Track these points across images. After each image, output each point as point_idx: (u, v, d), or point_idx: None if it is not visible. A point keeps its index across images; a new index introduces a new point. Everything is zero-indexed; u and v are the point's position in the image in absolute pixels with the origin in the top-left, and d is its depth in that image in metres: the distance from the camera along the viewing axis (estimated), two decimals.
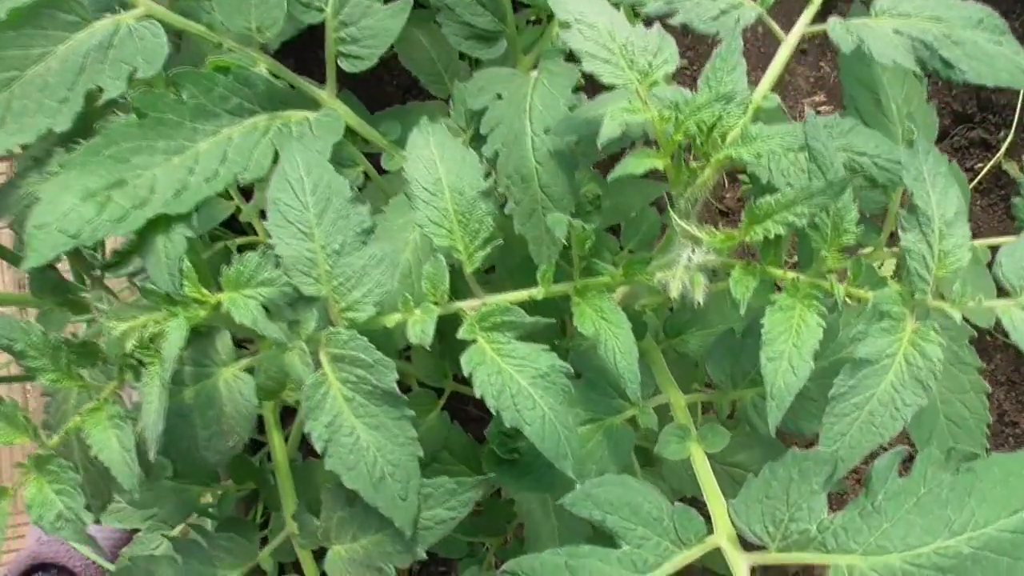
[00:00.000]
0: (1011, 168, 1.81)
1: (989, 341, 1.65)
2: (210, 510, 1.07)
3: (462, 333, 0.73)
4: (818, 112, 1.78)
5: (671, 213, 0.71)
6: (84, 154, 0.79)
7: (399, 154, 1.03)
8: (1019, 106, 1.78)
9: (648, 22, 0.77)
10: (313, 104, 0.94)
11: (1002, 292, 0.71)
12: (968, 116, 1.85)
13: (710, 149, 0.70)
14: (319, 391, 0.73)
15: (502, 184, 0.88)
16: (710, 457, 0.91)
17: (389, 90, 1.62)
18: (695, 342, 0.92)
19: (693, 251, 0.69)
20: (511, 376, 0.70)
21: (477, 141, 0.98)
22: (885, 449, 0.65)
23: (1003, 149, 1.78)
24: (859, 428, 0.65)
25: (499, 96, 0.94)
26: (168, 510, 1.04)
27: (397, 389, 0.72)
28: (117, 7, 0.84)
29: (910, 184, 0.68)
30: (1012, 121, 1.79)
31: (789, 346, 0.65)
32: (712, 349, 0.83)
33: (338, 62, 0.94)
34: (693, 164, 0.70)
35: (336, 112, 0.92)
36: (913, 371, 0.66)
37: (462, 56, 1.21)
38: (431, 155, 0.79)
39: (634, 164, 0.67)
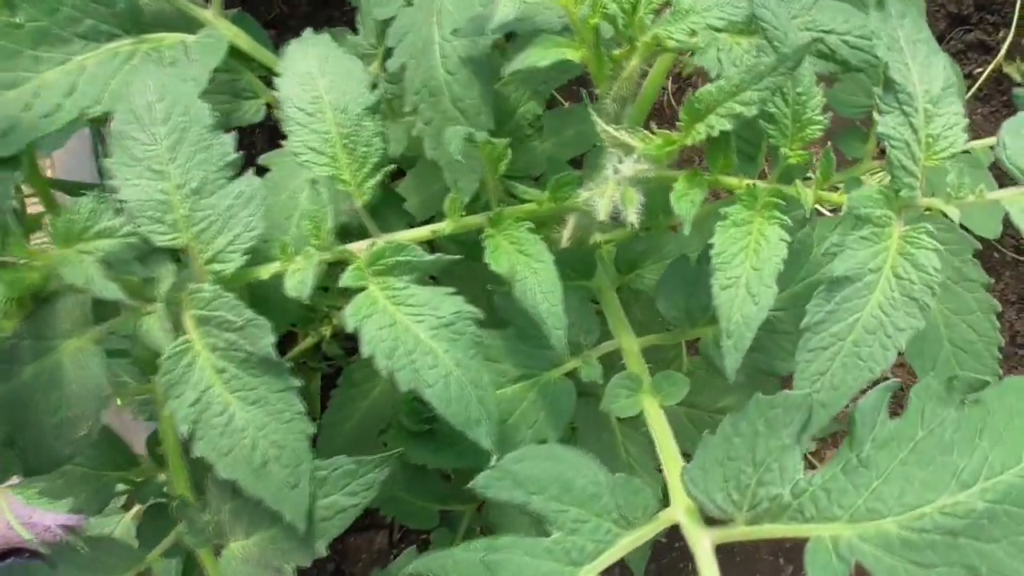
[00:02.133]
0: (1012, 71, 1.69)
1: (996, 258, 1.52)
2: None
3: (346, 279, 0.59)
4: None
5: (593, 115, 0.57)
6: None
7: None
8: (1018, 2, 1.65)
9: None
10: (195, 26, 0.80)
11: (1008, 182, 0.57)
12: (964, 17, 1.72)
13: (635, 32, 0.56)
14: (182, 362, 0.60)
15: (409, 102, 0.74)
16: (694, 405, 0.78)
17: (305, 10, 1.45)
18: (652, 276, 0.78)
19: (621, 161, 0.55)
20: (407, 328, 0.56)
21: (387, 60, 0.85)
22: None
23: (1003, 51, 1.65)
24: (842, 363, 0.52)
25: (408, 2, 0.80)
26: (83, 499, 0.92)
27: (275, 354, 0.59)
28: None
29: (884, 54, 0.54)
30: (1012, 20, 1.66)
31: (747, 269, 0.52)
32: (663, 281, 0.69)
33: None
34: (616, 52, 0.56)
35: (219, 32, 0.78)
36: (905, 287, 0.52)
37: None
38: (309, 69, 0.65)
39: (537, 55, 0.53)
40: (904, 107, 0.53)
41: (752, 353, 0.56)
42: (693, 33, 0.53)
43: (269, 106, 0.94)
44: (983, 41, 1.70)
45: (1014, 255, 1.53)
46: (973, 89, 1.66)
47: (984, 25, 1.71)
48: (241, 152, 0.63)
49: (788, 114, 0.55)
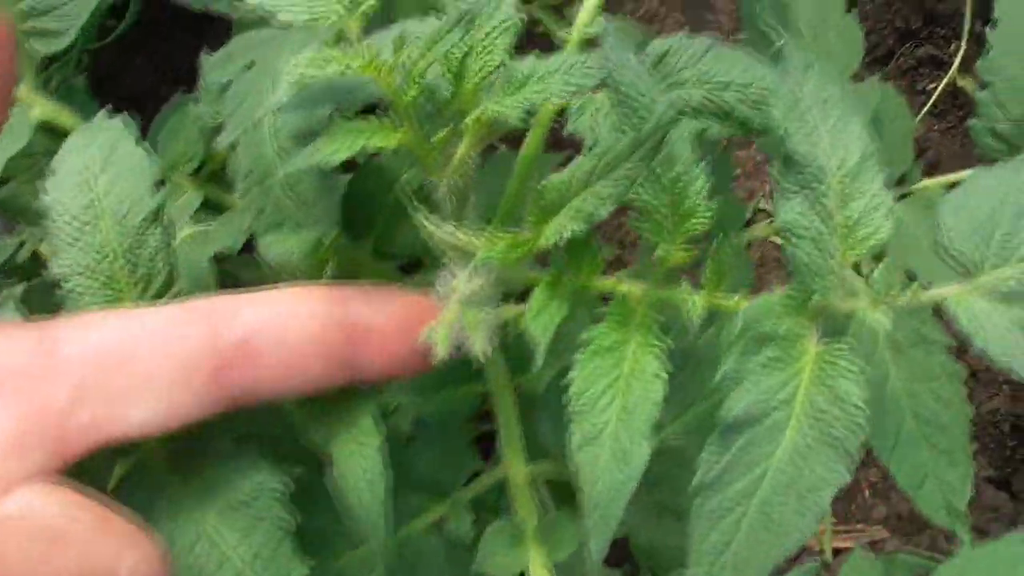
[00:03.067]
0: (967, 83, 1.61)
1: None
2: None
3: None
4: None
5: (416, 215, 0.45)
6: None
7: None
8: (967, 12, 1.57)
9: None
10: None
11: (954, 270, 0.44)
12: (913, 32, 1.65)
13: (465, 104, 0.43)
14: None
15: (239, 189, 0.61)
16: None
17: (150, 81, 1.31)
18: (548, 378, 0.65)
19: (456, 274, 0.42)
20: (189, 514, 0.43)
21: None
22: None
23: (956, 64, 1.58)
24: (747, 534, 0.39)
25: (252, 65, 0.68)
26: None
27: None
28: None
29: (783, 120, 0.41)
30: (962, 31, 1.59)
31: (614, 416, 0.39)
32: (539, 403, 0.56)
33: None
34: (440, 135, 0.44)
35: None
36: (823, 426, 0.39)
37: None
38: (89, 164, 0.52)
39: (330, 146, 0.41)
40: (811, 187, 0.40)
41: (653, 490, 0.44)
42: (527, 110, 0.40)
43: None
44: (934, 56, 1.63)
45: None
46: (927, 106, 1.58)
47: (935, 39, 1.64)
48: None
49: (664, 203, 0.42)
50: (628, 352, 0.41)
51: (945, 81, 1.56)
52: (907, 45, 1.61)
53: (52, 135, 0.72)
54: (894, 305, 0.42)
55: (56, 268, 0.49)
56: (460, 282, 0.42)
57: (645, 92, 0.40)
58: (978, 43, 1.51)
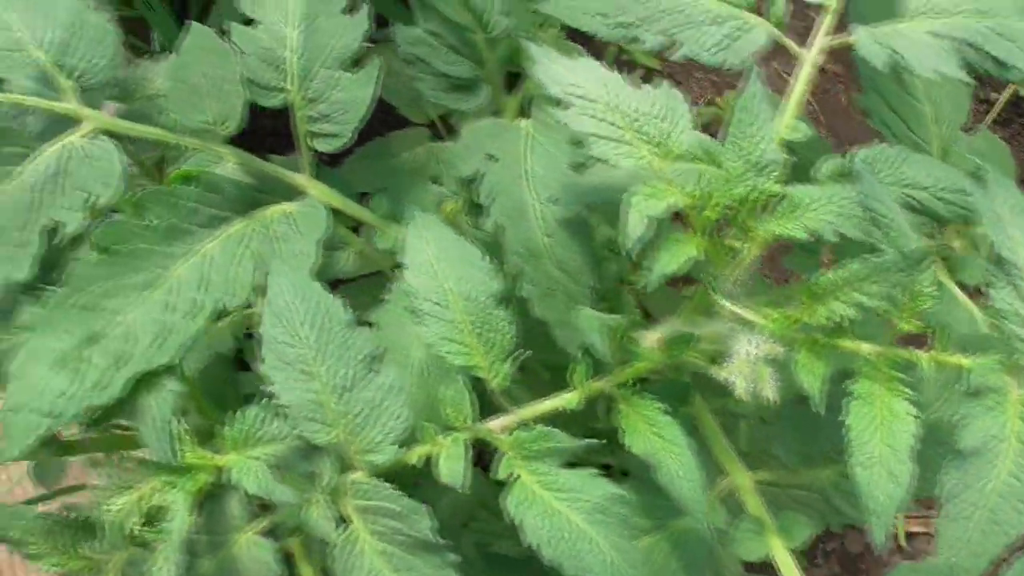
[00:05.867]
0: None
1: None
2: None
3: (501, 472, 0.64)
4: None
5: (716, 297, 0.62)
6: (51, 309, 0.71)
7: (390, 229, 0.94)
8: None
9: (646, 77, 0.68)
10: (292, 191, 0.85)
11: None
12: None
13: (750, 222, 0.60)
14: (350, 550, 0.65)
15: (510, 262, 0.79)
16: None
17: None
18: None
19: (752, 343, 0.59)
20: (564, 516, 0.61)
21: (473, 209, 0.89)
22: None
23: None
24: (979, 530, 0.56)
25: (491, 157, 0.85)
26: None
27: (433, 536, 0.64)
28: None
29: (991, 231, 0.58)
30: None
31: (882, 447, 0.56)
32: (777, 427, 0.73)
33: (309, 142, 0.85)
34: (733, 242, 0.61)
35: (316, 201, 0.83)
36: None
37: None
38: (429, 258, 0.70)
39: (668, 261, 0.58)
40: (1015, 281, 0.57)
41: None
42: (808, 230, 0.57)
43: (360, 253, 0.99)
44: None
45: None
46: (992, 114, 1.70)
47: None
48: (381, 348, 0.67)
49: (903, 292, 0.59)
50: (880, 401, 0.58)
51: (1010, 92, 1.68)
52: None
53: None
54: None
55: (427, 335, 0.67)
56: (755, 348, 0.59)
57: (895, 217, 0.57)
58: None
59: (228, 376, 0.95)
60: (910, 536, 1.56)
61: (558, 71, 0.63)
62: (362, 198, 1.00)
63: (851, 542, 1.68)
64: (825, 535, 1.55)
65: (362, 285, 1.07)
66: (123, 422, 0.79)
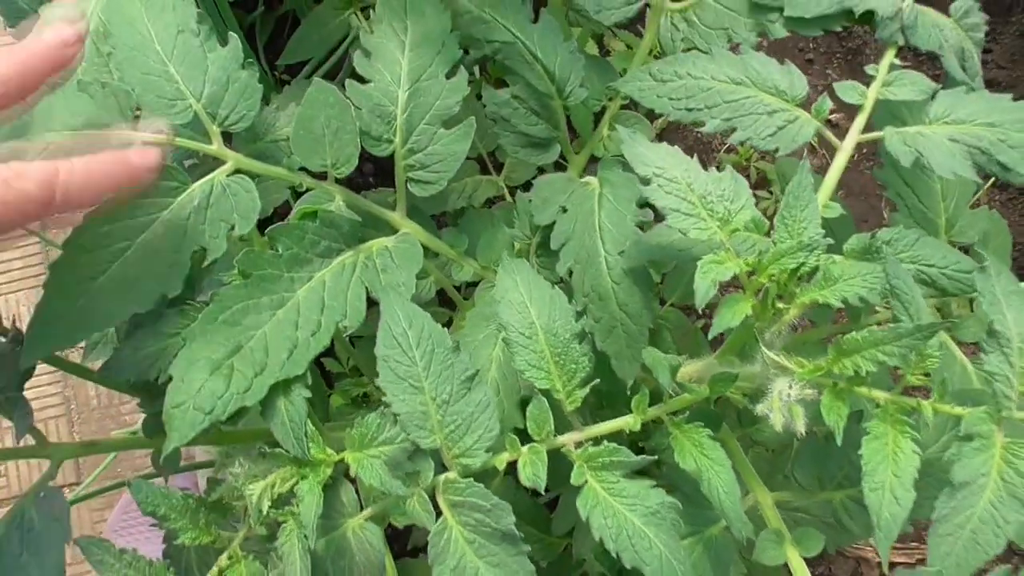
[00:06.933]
0: None
1: None
2: None
3: (574, 479, 0.78)
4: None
5: (761, 347, 0.76)
6: (202, 323, 0.83)
7: (467, 263, 1.08)
8: None
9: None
10: (387, 227, 0.99)
11: None
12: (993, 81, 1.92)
13: (793, 289, 0.74)
14: (443, 537, 0.78)
15: (579, 301, 0.93)
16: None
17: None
18: (770, 431, 0.96)
19: (790, 386, 0.73)
20: (625, 517, 0.75)
21: (544, 250, 1.03)
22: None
23: None
24: (963, 547, 0.70)
25: (564, 209, 0.99)
26: None
27: (515, 529, 0.77)
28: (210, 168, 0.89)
29: (988, 309, 0.72)
30: None
31: (889, 476, 0.70)
32: (798, 454, 0.88)
33: (408, 187, 0.99)
34: (779, 304, 0.75)
35: (412, 237, 0.97)
36: (1010, 488, 0.71)
37: None
38: (521, 298, 0.84)
39: (729, 317, 0.72)
40: (1004, 349, 0.71)
41: None
42: (841, 298, 0.71)
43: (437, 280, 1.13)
44: None
45: None
46: (991, 179, 1.85)
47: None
48: (475, 369, 0.81)
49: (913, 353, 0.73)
50: (890, 439, 0.72)
51: None
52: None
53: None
54: None
55: (517, 362, 0.81)
56: (793, 392, 0.73)
57: (913, 294, 0.71)
58: None
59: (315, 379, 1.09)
60: (893, 566, 1.71)
61: (644, 153, 0.77)
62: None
63: (838, 568, 1.82)
64: (814, 561, 1.69)
65: (429, 306, 1.21)
66: None
